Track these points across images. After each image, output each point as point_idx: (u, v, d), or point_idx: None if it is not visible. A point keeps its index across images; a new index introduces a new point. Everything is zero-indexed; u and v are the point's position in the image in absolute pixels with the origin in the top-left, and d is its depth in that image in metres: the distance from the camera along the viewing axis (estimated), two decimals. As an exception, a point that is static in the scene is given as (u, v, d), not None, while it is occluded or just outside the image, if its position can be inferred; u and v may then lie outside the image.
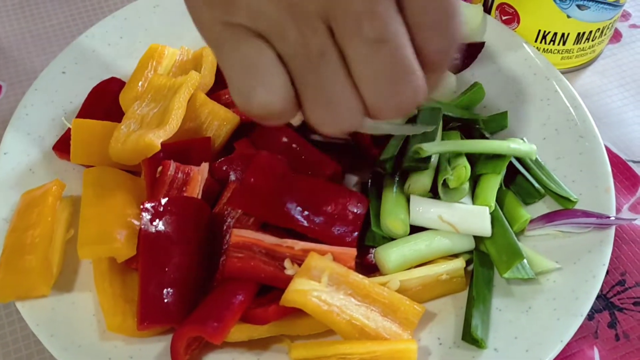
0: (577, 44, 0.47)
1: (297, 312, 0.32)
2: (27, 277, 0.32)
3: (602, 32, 0.47)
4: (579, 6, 0.44)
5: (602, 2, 0.44)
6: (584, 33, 0.46)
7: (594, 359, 0.36)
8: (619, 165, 0.44)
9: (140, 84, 0.41)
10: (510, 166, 0.39)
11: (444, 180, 0.36)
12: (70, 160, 0.38)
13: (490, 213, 0.36)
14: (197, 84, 0.39)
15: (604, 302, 0.38)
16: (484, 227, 0.36)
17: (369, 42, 0.23)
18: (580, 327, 0.33)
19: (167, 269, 0.33)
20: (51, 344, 0.32)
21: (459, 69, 0.45)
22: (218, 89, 0.42)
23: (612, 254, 0.37)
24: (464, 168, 0.36)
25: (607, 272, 0.39)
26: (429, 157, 0.37)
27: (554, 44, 0.47)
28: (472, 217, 0.36)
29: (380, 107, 0.25)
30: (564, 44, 0.47)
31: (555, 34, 0.46)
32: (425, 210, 0.36)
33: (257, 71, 0.24)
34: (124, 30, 0.45)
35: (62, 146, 0.39)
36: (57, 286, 0.34)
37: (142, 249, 0.33)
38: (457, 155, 0.38)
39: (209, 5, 0.24)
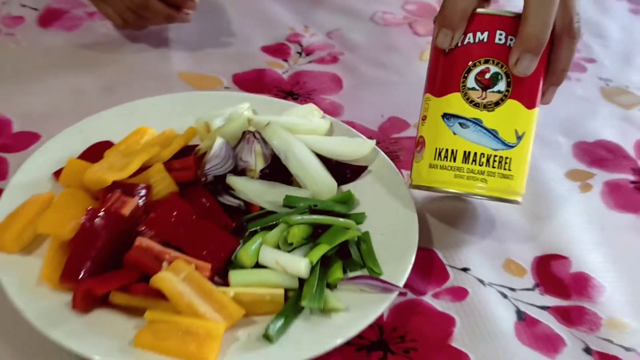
0: (465, 163, 0.55)
1: (160, 294, 0.50)
2: (6, 234, 0.53)
3: (487, 160, 0.55)
4: (460, 124, 0.55)
5: (479, 125, 0.54)
6: (469, 152, 0.55)
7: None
8: (441, 269, 0.60)
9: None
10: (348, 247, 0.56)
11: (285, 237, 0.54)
12: (59, 181, 0.59)
13: (313, 266, 0.54)
14: (155, 153, 0.60)
15: (383, 344, 0.53)
16: (301, 271, 0.53)
17: None
18: (354, 354, 0.50)
19: (90, 250, 0.52)
20: (9, 284, 0.51)
21: (342, 182, 0.64)
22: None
23: (404, 318, 0.53)
24: (298, 230, 0.54)
25: (395, 328, 0.54)
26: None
27: (447, 160, 0.56)
28: (296, 264, 0.53)
29: None
30: (454, 160, 0.55)
31: (447, 149, 0.56)
32: (268, 254, 0.54)
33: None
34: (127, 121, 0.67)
35: (59, 174, 0.60)
36: (27, 250, 0.54)
37: (78, 234, 0.52)
38: (306, 224, 0.56)
39: None
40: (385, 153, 0.66)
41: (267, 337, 0.49)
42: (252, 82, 0.79)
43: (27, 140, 0.68)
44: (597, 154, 0.74)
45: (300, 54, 0.85)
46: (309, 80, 0.80)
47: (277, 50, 0.85)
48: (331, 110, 0.74)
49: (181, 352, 0.47)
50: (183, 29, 0.86)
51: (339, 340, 0.49)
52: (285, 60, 0.83)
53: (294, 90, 0.78)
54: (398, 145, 0.72)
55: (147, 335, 0.48)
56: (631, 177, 0.71)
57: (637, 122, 0.79)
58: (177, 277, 0.50)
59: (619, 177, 0.71)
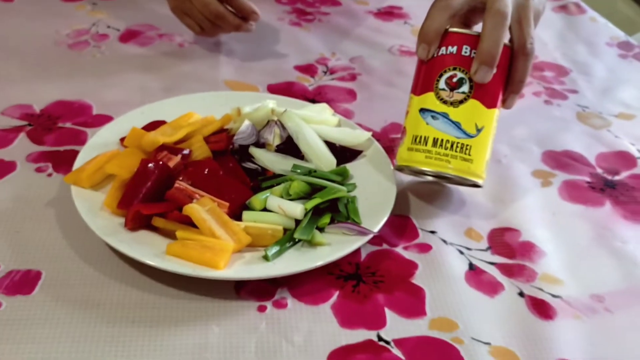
0: (434, 147, 0.69)
1: (189, 221, 0.67)
2: (82, 173, 0.71)
3: (451, 145, 0.68)
4: (432, 117, 0.69)
5: (446, 117, 0.68)
6: (438, 139, 0.68)
7: (332, 297, 0.66)
8: (413, 230, 0.75)
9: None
10: (337, 204, 0.72)
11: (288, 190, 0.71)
12: (123, 144, 0.77)
13: (307, 212, 0.70)
14: (195, 129, 0.78)
15: (358, 276, 0.68)
16: (297, 214, 0.69)
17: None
18: (333, 281, 0.66)
19: (142, 187, 0.69)
20: (81, 207, 0.69)
21: (342, 162, 0.80)
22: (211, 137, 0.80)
23: (377, 261, 0.69)
24: (297, 184, 0.71)
25: (369, 267, 0.69)
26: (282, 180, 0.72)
27: (420, 145, 0.70)
28: (293, 207, 0.69)
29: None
30: (426, 145, 0.69)
31: (421, 136, 0.70)
32: (274, 201, 0.70)
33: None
34: (179, 108, 0.86)
35: (123, 140, 0.78)
36: (95, 187, 0.72)
37: (134, 175, 0.70)
38: (305, 183, 0.72)
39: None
40: (383, 147, 0.82)
41: (265, 258, 0.65)
42: (282, 90, 0.97)
43: (102, 120, 0.87)
44: (562, 160, 0.88)
45: (325, 72, 1.03)
46: (329, 92, 0.98)
47: (307, 69, 1.04)
48: (344, 114, 0.91)
49: (200, 259, 0.64)
50: (232, 46, 1.06)
51: (319, 263, 0.65)
52: (312, 77, 1.02)
53: (315, 99, 0.96)
54: (394, 143, 0.88)
55: (176, 246, 0.65)
56: (587, 179, 0.85)
57: (603, 140, 0.93)
58: (203, 208, 0.67)
59: (577, 178, 0.85)
